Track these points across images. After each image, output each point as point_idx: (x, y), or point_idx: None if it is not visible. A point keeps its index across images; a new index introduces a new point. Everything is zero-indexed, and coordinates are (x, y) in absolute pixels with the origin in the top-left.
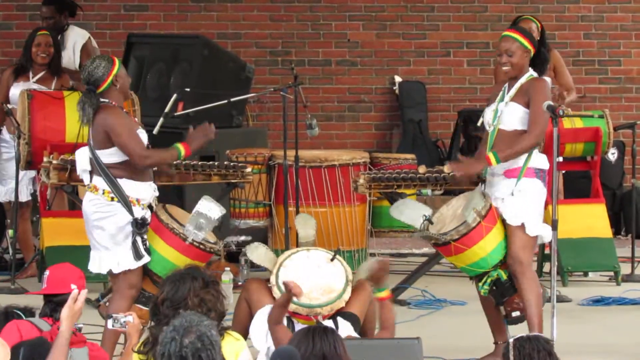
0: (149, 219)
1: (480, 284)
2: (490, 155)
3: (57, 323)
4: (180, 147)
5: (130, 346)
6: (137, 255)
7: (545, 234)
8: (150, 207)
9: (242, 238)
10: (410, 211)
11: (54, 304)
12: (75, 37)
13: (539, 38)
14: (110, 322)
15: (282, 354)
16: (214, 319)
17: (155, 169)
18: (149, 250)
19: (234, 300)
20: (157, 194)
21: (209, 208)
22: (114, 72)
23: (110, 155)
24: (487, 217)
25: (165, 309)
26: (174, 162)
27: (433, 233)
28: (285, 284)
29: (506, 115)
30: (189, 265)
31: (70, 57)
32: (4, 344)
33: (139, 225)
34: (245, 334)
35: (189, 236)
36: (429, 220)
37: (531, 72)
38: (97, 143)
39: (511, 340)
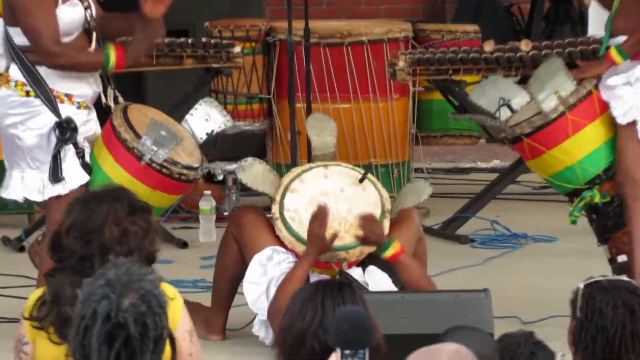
0: (80, 123)
1: (570, 209)
2: (613, 52)
3: None
4: (112, 54)
5: None
6: (54, 176)
7: None
8: (104, 108)
9: (234, 166)
10: (495, 93)
11: None
12: None
13: None
14: None
15: (349, 317)
16: None
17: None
18: (88, 167)
19: (218, 238)
20: (99, 89)
21: (208, 115)
22: None
23: (22, 35)
24: (579, 109)
25: (71, 240)
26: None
27: (500, 123)
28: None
29: None
30: (114, 186)
31: None
32: None
33: (63, 130)
34: (234, 288)
35: (145, 153)
36: (508, 106)
37: None
38: (7, 17)
39: (582, 284)
